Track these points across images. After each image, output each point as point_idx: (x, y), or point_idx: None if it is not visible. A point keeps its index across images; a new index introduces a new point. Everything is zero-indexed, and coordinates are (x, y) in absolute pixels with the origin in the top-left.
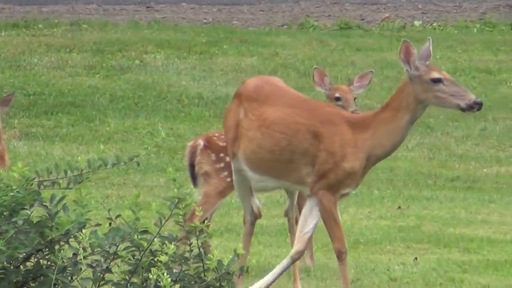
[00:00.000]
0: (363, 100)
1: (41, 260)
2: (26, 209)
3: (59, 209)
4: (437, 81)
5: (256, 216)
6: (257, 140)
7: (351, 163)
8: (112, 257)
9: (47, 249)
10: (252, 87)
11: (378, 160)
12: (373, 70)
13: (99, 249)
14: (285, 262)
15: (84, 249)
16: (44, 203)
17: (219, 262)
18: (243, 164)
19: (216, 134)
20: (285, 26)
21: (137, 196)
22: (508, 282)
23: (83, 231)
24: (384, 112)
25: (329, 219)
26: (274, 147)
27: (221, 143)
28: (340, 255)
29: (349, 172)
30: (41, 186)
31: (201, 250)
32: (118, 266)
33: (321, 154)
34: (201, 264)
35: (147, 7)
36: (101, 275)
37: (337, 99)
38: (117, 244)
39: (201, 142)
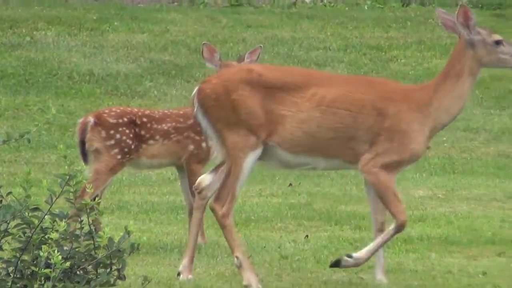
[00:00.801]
0: None
1: None
2: None
3: None
4: (499, 43)
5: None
6: (315, 120)
7: (418, 142)
8: (3, 234)
9: None
10: (270, 72)
11: (443, 128)
12: (262, 46)
13: None
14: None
15: None
16: None
17: (110, 239)
18: (280, 148)
19: (107, 111)
20: (175, 3)
21: (28, 173)
22: (399, 259)
23: None
24: (446, 80)
25: (387, 195)
26: (337, 124)
27: (111, 120)
28: (401, 229)
29: (415, 150)
30: None
31: (92, 227)
32: (8, 243)
33: (385, 133)
34: (92, 242)
35: None
36: None
37: None
38: (8, 222)
39: (91, 119)
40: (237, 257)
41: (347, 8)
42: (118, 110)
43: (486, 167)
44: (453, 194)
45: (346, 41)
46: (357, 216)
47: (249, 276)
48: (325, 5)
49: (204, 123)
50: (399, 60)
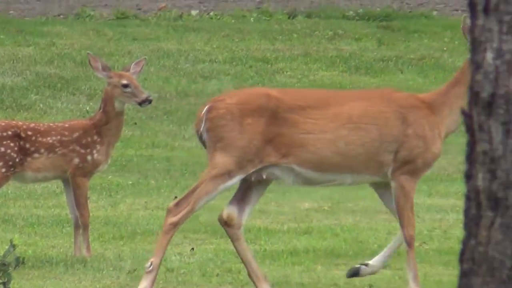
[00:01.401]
0: None
1: None
2: None
3: None
4: None
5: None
6: (343, 138)
7: (438, 146)
8: None
9: None
10: (287, 96)
11: (448, 135)
12: (146, 57)
13: None
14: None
15: None
16: None
17: None
18: (303, 167)
19: None
20: (61, 16)
21: None
22: (285, 272)
23: None
24: (456, 87)
25: (406, 205)
26: (365, 139)
27: None
28: (412, 242)
29: (437, 154)
30: None
31: None
32: None
33: (409, 140)
34: None
35: None
36: None
37: (126, 86)
38: None
39: None
40: (151, 263)
41: (233, 21)
42: (3, 124)
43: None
44: (339, 206)
45: (232, 53)
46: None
47: (146, 285)
48: (211, 18)
49: (204, 137)
50: (285, 72)
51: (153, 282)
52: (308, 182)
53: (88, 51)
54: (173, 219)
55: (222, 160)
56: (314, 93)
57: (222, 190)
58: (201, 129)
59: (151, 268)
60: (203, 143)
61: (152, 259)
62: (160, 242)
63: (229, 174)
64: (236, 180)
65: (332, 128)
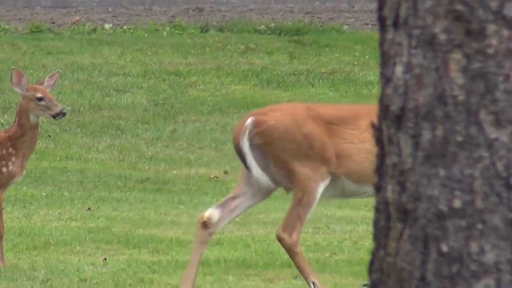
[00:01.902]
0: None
1: None
2: None
3: None
4: None
5: None
6: None
7: None
8: None
9: None
10: (322, 109)
11: None
12: (60, 71)
13: None
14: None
15: None
16: None
17: None
18: (346, 178)
19: None
20: None
21: None
22: (197, 282)
23: None
24: None
25: None
26: None
27: None
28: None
29: None
30: None
31: None
32: None
33: None
34: None
35: None
36: None
37: (40, 99)
38: None
39: None
40: (313, 283)
41: (146, 35)
42: None
43: (282, 192)
44: (250, 218)
45: (146, 66)
46: (155, 239)
47: None
48: (124, 32)
49: (254, 153)
50: (197, 86)
51: None
52: (344, 194)
53: (14, 67)
54: (290, 241)
55: (304, 171)
56: (343, 106)
57: (320, 195)
58: (242, 141)
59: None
60: (241, 155)
61: (311, 281)
62: (300, 264)
63: (316, 180)
64: (328, 179)
65: (368, 138)
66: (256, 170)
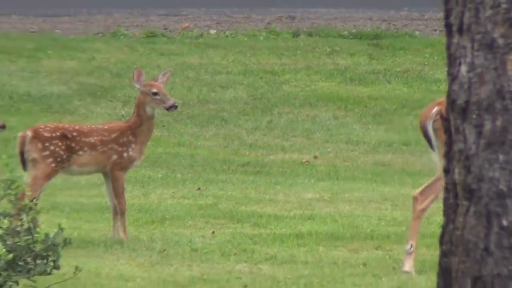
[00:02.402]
0: None
1: None
2: None
3: None
4: None
5: None
6: None
7: None
8: None
9: None
10: None
11: None
12: (171, 69)
13: None
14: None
15: None
16: None
17: (46, 235)
18: None
19: (42, 126)
20: (100, 34)
21: None
22: (291, 252)
23: None
24: None
25: None
26: None
27: (46, 134)
28: None
29: None
30: None
31: (31, 225)
32: None
33: None
34: (31, 237)
35: None
36: None
37: (155, 94)
38: None
39: (29, 133)
40: (411, 245)
41: (246, 39)
42: (52, 126)
43: (365, 174)
44: (337, 196)
45: (246, 66)
46: (255, 215)
47: (410, 264)
48: (227, 36)
49: (435, 138)
50: (290, 83)
51: (413, 260)
52: None
53: (136, 66)
54: (421, 206)
55: None
56: None
57: None
58: (428, 125)
59: (411, 249)
60: (427, 137)
61: (410, 242)
62: (414, 227)
63: None
64: None
65: None
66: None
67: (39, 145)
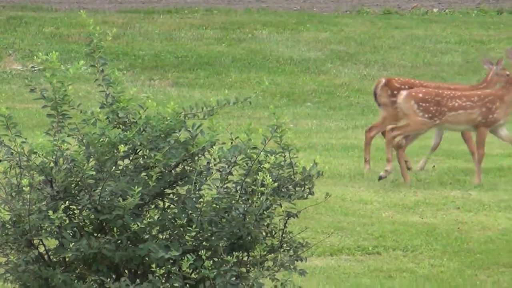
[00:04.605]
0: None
1: (186, 167)
2: (176, 132)
3: (198, 132)
4: None
5: None
6: None
7: None
8: (233, 164)
9: (189, 159)
10: None
11: None
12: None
13: (224, 159)
14: None
15: (214, 159)
16: (188, 129)
17: (304, 168)
18: None
19: (396, 79)
20: (347, 12)
21: (250, 124)
22: (494, 181)
23: (214, 147)
24: None
25: None
26: None
27: (397, 85)
28: None
29: None
30: (186, 117)
31: (292, 160)
32: (237, 170)
33: None
34: (292, 170)
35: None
36: (225, 177)
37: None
38: (236, 156)
39: (383, 80)
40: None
41: (461, 16)
42: (402, 80)
43: None
44: None
45: (460, 37)
46: (466, 153)
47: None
48: (446, 13)
49: None
50: (495, 50)
51: None
52: None
53: (509, 47)
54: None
55: None
56: None
57: None
58: None
59: None
60: None
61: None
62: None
63: None
64: None
65: None
66: None
67: (389, 92)
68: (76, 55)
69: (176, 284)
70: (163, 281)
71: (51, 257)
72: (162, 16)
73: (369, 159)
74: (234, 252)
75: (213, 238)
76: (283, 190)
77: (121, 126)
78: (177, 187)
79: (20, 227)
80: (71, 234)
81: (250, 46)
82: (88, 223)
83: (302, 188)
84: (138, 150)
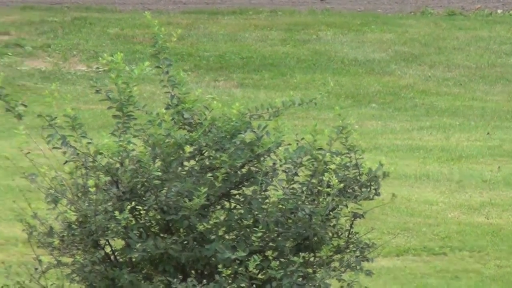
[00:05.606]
0: None
1: (251, 168)
2: (241, 133)
3: (263, 133)
4: None
5: None
6: None
7: None
8: (299, 165)
9: (255, 160)
10: None
11: None
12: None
13: (290, 160)
14: None
15: (280, 160)
16: (253, 130)
17: (369, 169)
18: None
19: None
20: (411, 13)
21: (315, 125)
22: None
23: (279, 148)
24: None
25: None
26: None
27: None
28: None
29: None
30: (252, 118)
31: (357, 161)
32: (302, 171)
33: None
34: (357, 170)
35: (321, 0)
36: (291, 178)
37: None
38: (302, 157)
39: None
40: None
41: None
42: None
43: None
44: None
45: None
46: None
47: None
48: (510, 15)
49: None
50: None
51: None
52: None
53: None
54: None
55: None
56: None
57: None
58: None
59: None
60: None
61: None
62: None
63: None
64: None
65: None
66: None
67: None
68: (141, 56)
69: (242, 285)
70: (230, 281)
71: (118, 257)
72: (227, 17)
73: None
74: (300, 253)
75: (279, 238)
76: (349, 191)
77: (186, 127)
78: (243, 188)
79: (86, 228)
80: (137, 235)
81: (314, 47)
82: (154, 224)
83: (368, 189)
84: (203, 151)
